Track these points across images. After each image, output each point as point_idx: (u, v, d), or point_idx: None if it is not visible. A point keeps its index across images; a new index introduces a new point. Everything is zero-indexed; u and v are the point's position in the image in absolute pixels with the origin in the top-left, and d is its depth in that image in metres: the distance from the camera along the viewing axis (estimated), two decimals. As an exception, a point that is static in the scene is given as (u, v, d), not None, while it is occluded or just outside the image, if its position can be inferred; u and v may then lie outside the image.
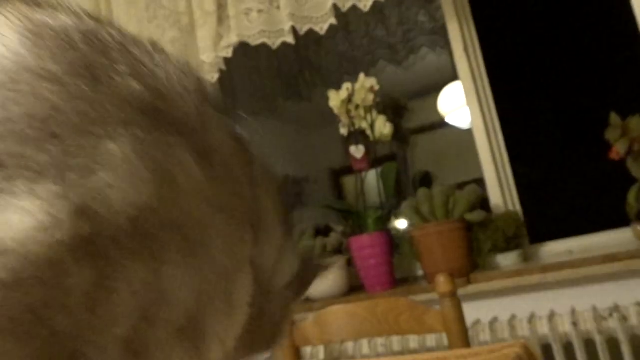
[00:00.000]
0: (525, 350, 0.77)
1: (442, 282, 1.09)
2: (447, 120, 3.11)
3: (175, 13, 2.02)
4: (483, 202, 1.69)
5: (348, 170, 2.74)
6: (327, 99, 1.91)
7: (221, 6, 1.92)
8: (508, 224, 1.60)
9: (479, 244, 1.62)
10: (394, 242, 1.79)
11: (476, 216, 1.59)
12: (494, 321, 1.49)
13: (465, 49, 1.87)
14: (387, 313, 1.19)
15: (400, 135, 2.66)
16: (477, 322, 1.50)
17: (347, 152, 2.93)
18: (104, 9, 2.19)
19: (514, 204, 1.76)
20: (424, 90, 3.10)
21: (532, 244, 1.70)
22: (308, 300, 1.74)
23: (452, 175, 2.82)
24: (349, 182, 3.27)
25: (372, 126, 1.83)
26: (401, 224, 2.03)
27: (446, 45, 2.08)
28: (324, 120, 2.41)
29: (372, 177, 1.86)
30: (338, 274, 1.78)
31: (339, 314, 1.27)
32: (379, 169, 1.85)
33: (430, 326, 1.11)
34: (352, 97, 1.81)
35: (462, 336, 1.05)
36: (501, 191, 1.76)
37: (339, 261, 1.78)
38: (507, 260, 1.60)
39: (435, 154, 3.30)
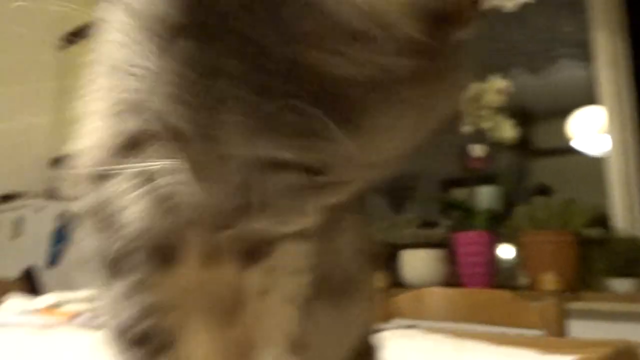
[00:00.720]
0: (628, 348, 0.76)
1: (549, 280, 1.10)
2: (573, 143, 2.96)
3: None
4: (603, 223, 1.62)
5: (458, 182, 2.72)
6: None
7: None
8: (629, 247, 1.52)
9: (593, 262, 1.56)
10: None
11: (594, 233, 1.53)
12: (595, 341, 1.44)
13: (612, 64, 1.80)
14: (486, 303, 1.21)
15: (523, 149, 2.59)
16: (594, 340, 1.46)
17: (460, 163, 2.91)
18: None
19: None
20: (556, 106, 2.97)
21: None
22: (404, 285, 1.79)
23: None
24: (457, 194, 3.23)
25: (496, 128, 1.83)
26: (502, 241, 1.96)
27: (587, 59, 2.01)
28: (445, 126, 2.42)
29: (485, 190, 1.85)
30: (437, 266, 1.81)
31: (438, 296, 1.31)
32: (493, 187, 1.83)
33: (530, 321, 1.11)
34: (480, 96, 1.82)
35: (561, 335, 1.04)
36: (627, 215, 1.67)
37: (440, 254, 1.81)
38: (622, 285, 1.52)
39: (556, 174, 3.15)
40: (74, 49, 3.07)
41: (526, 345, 0.76)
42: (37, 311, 1.11)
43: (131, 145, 0.25)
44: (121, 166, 0.25)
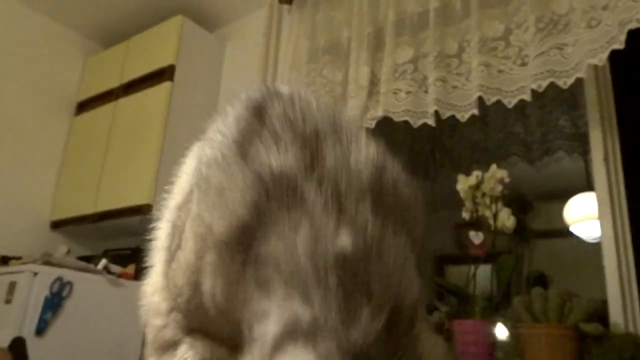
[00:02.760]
0: None
1: (548, 380, 1.09)
2: (571, 229, 3.00)
3: (332, 82, 2.27)
4: (600, 318, 1.62)
5: (454, 259, 2.73)
6: (452, 182, 1.99)
7: (373, 83, 2.13)
8: (627, 345, 1.51)
9: (590, 358, 1.54)
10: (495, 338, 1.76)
11: (593, 328, 1.53)
12: None
13: (605, 158, 1.86)
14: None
15: (520, 233, 2.62)
16: None
17: (457, 242, 2.93)
18: (270, 72, 2.52)
19: (636, 327, 1.66)
20: (552, 194, 3.03)
21: (652, 375, 1.58)
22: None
23: (569, 287, 2.68)
24: (452, 271, 3.22)
25: (495, 216, 1.87)
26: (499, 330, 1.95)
27: (584, 152, 2.09)
28: (442, 204, 2.47)
29: (480, 271, 1.86)
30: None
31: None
32: (489, 266, 1.85)
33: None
34: (480, 184, 1.87)
35: None
36: (623, 310, 1.67)
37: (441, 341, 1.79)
38: (620, 383, 1.50)
39: (553, 260, 3.16)
40: (85, 117, 3.18)
41: None
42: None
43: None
44: None
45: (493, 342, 1.72)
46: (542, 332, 1.56)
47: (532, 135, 2.31)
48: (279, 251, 0.27)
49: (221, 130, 0.34)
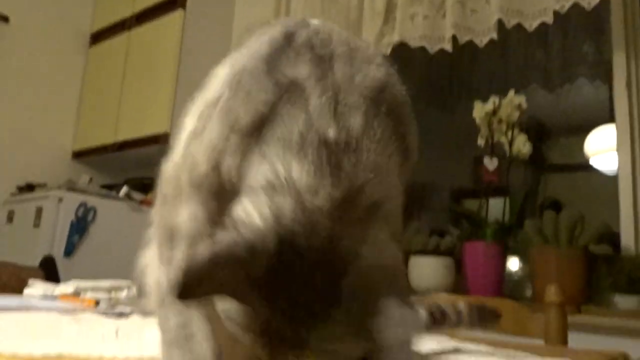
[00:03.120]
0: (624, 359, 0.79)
1: (552, 293, 1.12)
2: (591, 162, 2.96)
3: (346, 8, 2.21)
4: (610, 240, 1.64)
5: (470, 193, 2.73)
6: (469, 114, 1.97)
7: (389, 8, 2.07)
8: (636, 267, 1.54)
9: (599, 279, 1.58)
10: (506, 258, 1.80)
11: (602, 249, 1.55)
12: (597, 357, 1.46)
13: (628, 85, 1.82)
14: (490, 311, 1.24)
15: (537, 163, 2.61)
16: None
17: (473, 175, 2.91)
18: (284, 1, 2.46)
19: (647, 251, 1.68)
20: (572, 127, 2.98)
21: (659, 296, 1.61)
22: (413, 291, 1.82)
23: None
24: (468, 204, 3.24)
25: (511, 142, 1.86)
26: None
27: (607, 80, 2.03)
28: (458, 138, 2.45)
29: (495, 203, 1.87)
30: (445, 274, 1.84)
31: (442, 301, 1.34)
32: (503, 199, 1.85)
33: (532, 331, 1.14)
34: (497, 110, 1.85)
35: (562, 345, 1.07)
36: (635, 233, 1.69)
37: (448, 262, 1.84)
38: (626, 302, 1.54)
39: (570, 193, 3.15)
40: (100, 49, 3.17)
41: (526, 350, 0.79)
42: (57, 297, 1.17)
43: None
44: None
45: (503, 264, 1.77)
46: (552, 254, 1.59)
47: (553, 63, 2.25)
48: (279, 132, 0.35)
49: (254, 47, 0.41)
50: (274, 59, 0.38)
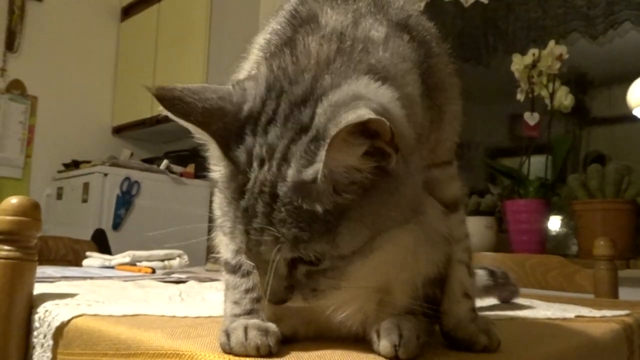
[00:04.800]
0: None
1: (602, 246, 1.11)
2: (635, 112, 2.84)
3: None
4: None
5: (507, 152, 2.67)
6: (506, 68, 1.91)
7: (421, -39, 2.00)
8: (687, 217, 1.50)
9: (648, 231, 1.55)
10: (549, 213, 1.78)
11: (651, 201, 1.51)
12: (647, 309, 1.44)
13: (678, 27, 1.72)
14: (536, 267, 1.24)
15: (580, 116, 2.52)
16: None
17: (510, 133, 2.83)
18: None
19: (699, 200, 1.62)
20: (616, 76, 2.85)
21: None
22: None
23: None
24: (505, 164, 3.16)
25: (552, 95, 1.80)
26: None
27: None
28: (495, 94, 2.37)
29: (535, 161, 1.83)
30: (487, 233, 1.83)
31: (487, 260, 1.34)
32: (544, 156, 1.81)
33: (580, 285, 1.14)
34: (537, 62, 1.79)
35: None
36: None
37: (489, 222, 1.83)
38: (677, 254, 1.51)
39: (615, 146, 3.04)
40: (131, 23, 3.19)
41: (578, 303, 0.79)
42: (115, 267, 1.23)
43: None
44: None
45: (545, 221, 1.74)
46: (597, 208, 1.56)
47: (595, 9, 2.14)
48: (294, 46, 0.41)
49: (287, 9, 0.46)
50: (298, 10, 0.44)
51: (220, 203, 0.40)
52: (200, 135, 0.38)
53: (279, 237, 0.35)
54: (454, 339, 0.46)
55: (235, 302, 0.45)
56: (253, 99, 0.38)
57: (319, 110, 0.36)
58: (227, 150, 0.37)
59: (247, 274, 0.45)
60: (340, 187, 0.35)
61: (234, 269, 0.45)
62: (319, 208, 0.35)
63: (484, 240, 1.81)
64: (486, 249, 1.79)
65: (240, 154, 0.37)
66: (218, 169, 0.39)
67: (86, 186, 2.57)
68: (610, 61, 2.58)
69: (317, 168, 0.34)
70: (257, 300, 0.44)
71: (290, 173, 0.35)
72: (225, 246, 0.47)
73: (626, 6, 2.04)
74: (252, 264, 0.40)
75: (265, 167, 0.35)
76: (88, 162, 2.78)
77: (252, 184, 0.36)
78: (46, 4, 2.99)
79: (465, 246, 0.49)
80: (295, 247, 0.35)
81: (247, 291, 0.45)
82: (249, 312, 0.44)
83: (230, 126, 0.37)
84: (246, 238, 0.37)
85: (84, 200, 2.57)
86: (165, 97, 0.37)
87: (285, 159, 0.35)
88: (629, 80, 2.76)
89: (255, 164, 0.36)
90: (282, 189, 0.35)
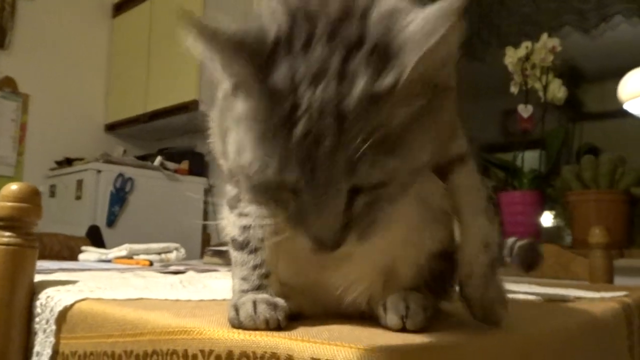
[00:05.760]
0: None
1: (597, 234, 1.12)
2: (625, 106, 2.86)
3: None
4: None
5: (500, 147, 2.68)
6: (499, 63, 1.91)
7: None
8: (679, 207, 1.51)
9: (641, 221, 1.56)
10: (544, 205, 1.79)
11: (644, 191, 1.53)
12: (641, 298, 1.46)
13: (669, 20, 1.74)
14: (533, 256, 1.25)
15: (573, 109, 2.54)
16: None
17: (503, 129, 2.84)
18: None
19: (691, 190, 1.64)
20: (608, 70, 2.87)
21: None
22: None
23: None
24: (499, 159, 3.18)
25: (545, 87, 1.82)
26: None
27: (645, 16, 1.94)
28: (488, 89, 2.38)
29: (529, 155, 1.85)
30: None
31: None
32: (538, 151, 1.82)
33: (576, 273, 1.15)
34: (530, 55, 1.80)
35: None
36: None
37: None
38: (670, 243, 1.52)
39: (608, 140, 3.06)
40: (123, 19, 3.17)
41: (577, 287, 0.80)
42: (112, 260, 1.22)
43: None
44: None
45: (541, 213, 1.76)
46: (591, 199, 1.58)
47: (587, 2, 2.15)
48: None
49: None
50: None
51: (248, 145, 0.36)
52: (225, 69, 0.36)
53: (352, 158, 0.32)
54: (470, 304, 0.45)
55: (244, 279, 0.45)
56: (277, 26, 0.36)
57: (370, 23, 0.35)
58: (261, 78, 0.34)
59: (255, 250, 0.45)
60: (416, 91, 0.34)
61: (241, 246, 0.45)
62: (390, 120, 0.33)
63: (479, 232, 1.82)
64: (481, 241, 1.80)
65: (279, 79, 0.34)
66: (242, 105, 0.36)
67: (79, 183, 2.56)
68: (602, 55, 2.60)
69: (397, 74, 0.32)
70: (266, 276, 0.44)
71: (359, 87, 0.33)
72: (232, 224, 0.47)
73: (617, 0, 2.05)
74: (262, 237, 0.40)
75: (321, 87, 0.33)
76: (81, 159, 2.77)
77: (306, 107, 0.33)
78: (38, 2, 2.96)
79: (480, 194, 0.46)
80: (368, 168, 0.33)
81: (255, 267, 0.44)
82: (257, 288, 0.44)
83: (258, 53, 0.35)
84: (306, 169, 0.33)
85: (78, 198, 2.56)
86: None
87: (343, 76, 0.33)
88: (621, 74, 2.78)
89: (303, 87, 0.33)
90: (350, 106, 0.32)
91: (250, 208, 0.44)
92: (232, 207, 0.47)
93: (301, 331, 0.37)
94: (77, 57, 3.11)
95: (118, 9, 3.22)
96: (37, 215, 0.60)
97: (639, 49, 2.27)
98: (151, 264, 1.15)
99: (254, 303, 0.39)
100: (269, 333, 0.37)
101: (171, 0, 2.83)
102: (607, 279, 1.08)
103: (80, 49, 3.13)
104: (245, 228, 0.44)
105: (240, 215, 0.45)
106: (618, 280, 1.34)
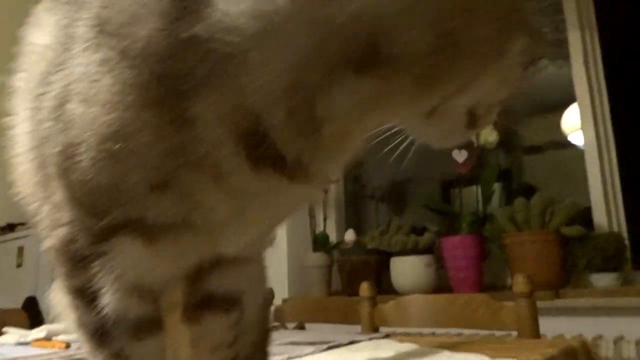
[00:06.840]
0: (583, 345, 0.80)
1: (520, 282, 1.13)
2: (570, 138, 2.97)
3: None
4: (584, 220, 1.65)
5: (458, 182, 2.74)
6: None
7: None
8: (608, 244, 1.55)
9: (575, 259, 1.59)
10: (485, 248, 1.81)
11: (574, 231, 1.56)
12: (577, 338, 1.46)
13: (585, 62, 1.83)
14: (465, 306, 1.25)
15: (509, 148, 2.62)
16: (558, 337, 1.49)
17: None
18: None
19: (620, 226, 1.69)
20: (543, 107, 2.98)
21: (636, 270, 1.63)
22: (393, 292, 1.83)
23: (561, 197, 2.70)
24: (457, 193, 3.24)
25: (478, 132, 1.86)
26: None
27: (567, 58, 2.04)
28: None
29: (471, 191, 1.88)
30: (426, 272, 1.84)
31: (419, 303, 1.34)
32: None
33: (504, 323, 1.15)
34: (459, 102, 1.86)
35: (534, 334, 1.08)
36: (607, 211, 1.70)
37: (428, 260, 1.84)
38: (602, 280, 1.55)
39: (545, 173, 3.16)
40: None
41: (495, 343, 0.80)
42: (30, 343, 1.16)
43: None
44: None
45: (482, 255, 1.77)
46: (525, 240, 1.60)
47: (514, 47, 2.25)
48: None
49: None
50: None
51: None
52: None
53: None
54: None
55: None
56: None
57: None
58: None
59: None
60: None
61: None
62: None
63: (423, 279, 1.82)
64: (425, 288, 1.80)
65: None
66: None
67: (21, 250, 2.47)
68: (533, 94, 2.71)
69: None
70: None
71: None
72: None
73: (541, 44, 2.15)
74: None
75: None
76: (23, 224, 2.68)
77: None
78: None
79: None
80: None
81: None
82: None
83: None
84: None
85: (19, 265, 2.46)
86: None
87: None
88: (551, 112, 2.90)
89: None
90: None
91: None
92: None
93: None
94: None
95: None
96: None
97: (568, 86, 2.37)
98: (68, 345, 1.10)
99: None
100: None
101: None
102: (533, 328, 1.08)
103: None
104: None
105: None
106: (554, 320, 1.35)
